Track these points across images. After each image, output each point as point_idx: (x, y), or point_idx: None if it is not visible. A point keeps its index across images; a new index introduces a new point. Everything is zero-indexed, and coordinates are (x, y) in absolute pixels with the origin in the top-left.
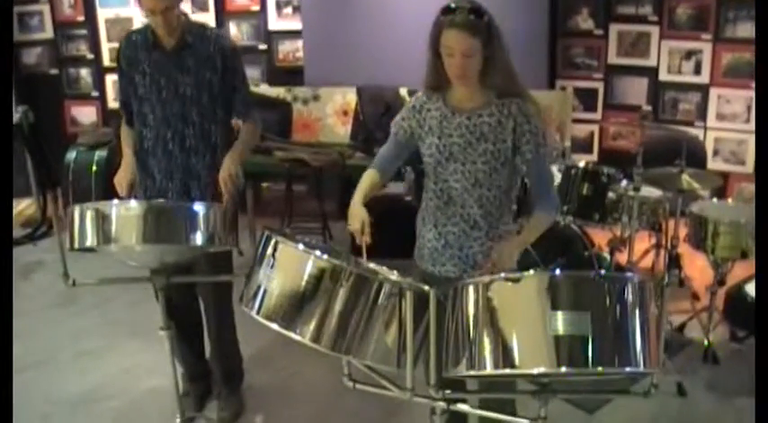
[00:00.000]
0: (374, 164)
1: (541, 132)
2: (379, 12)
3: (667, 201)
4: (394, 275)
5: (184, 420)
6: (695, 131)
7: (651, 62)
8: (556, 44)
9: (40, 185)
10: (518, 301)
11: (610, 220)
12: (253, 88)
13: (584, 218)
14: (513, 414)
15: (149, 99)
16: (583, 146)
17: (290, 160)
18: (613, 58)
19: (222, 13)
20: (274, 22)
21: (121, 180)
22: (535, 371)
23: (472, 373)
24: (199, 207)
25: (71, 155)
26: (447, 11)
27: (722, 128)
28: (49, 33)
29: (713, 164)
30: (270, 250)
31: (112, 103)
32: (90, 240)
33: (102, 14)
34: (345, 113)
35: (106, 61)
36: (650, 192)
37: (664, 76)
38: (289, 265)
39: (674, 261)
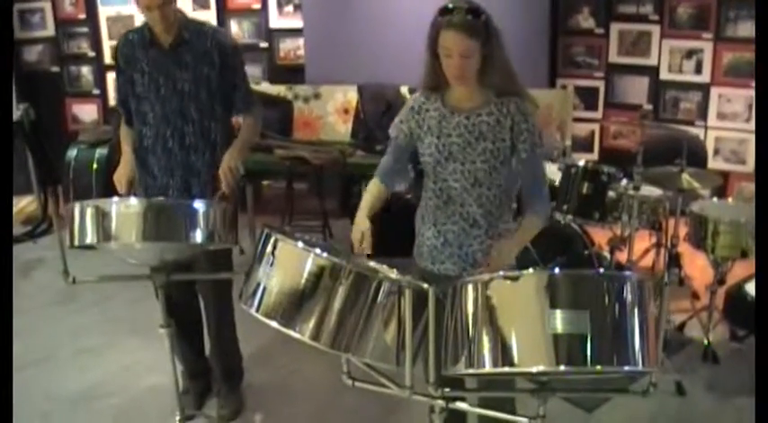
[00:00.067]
0: (377, 175)
1: (538, 132)
2: (380, 10)
3: (667, 200)
4: (393, 274)
5: (184, 418)
6: (696, 131)
7: (652, 61)
8: (557, 43)
9: (40, 183)
10: (517, 299)
11: (610, 219)
12: (254, 86)
13: (585, 217)
14: (513, 412)
15: (148, 97)
16: (583, 145)
17: (290, 158)
18: (614, 57)
19: (223, 11)
20: (275, 20)
21: (121, 177)
22: (534, 369)
23: (471, 371)
24: (199, 205)
25: (72, 152)
26: (444, 11)
27: (723, 127)
28: (50, 31)
29: (714, 163)
30: (269, 248)
31: (113, 101)
32: (90, 238)
33: (104, 12)
34: (346, 111)
35: (107, 59)
36: (650, 191)
37: (664, 75)
38: (288, 262)
39: (674, 260)
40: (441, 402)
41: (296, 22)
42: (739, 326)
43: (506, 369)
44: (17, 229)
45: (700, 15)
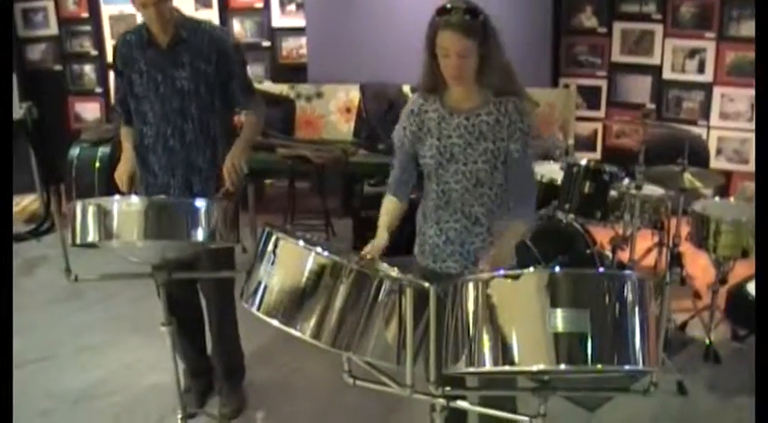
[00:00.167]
0: (390, 191)
1: (532, 133)
2: (382, 9)
3: (669, 199)
4: (394, 272)
5: (186, 416)
6: (698, 130)
7: (655, 60)
8: (559, 42)
9: (43, 181)
10: (517, 298)
11: (612, 219)
12: (256, 85)
13: (586, 216)
14: (514, 411)
15: (147, 96)
16: (586, 144)
17: (292, 157)
18: (617, 56)
19: (226, 10)
20: (278, 19)
21: (122, 174)
22: (534, 368)
23: (472, 370)
24: (200, 203)
25: (74, 151)
26: (442, 11)
27: (725, 126)
28: (53, 29)
29: (716, 162)
30: (270, 247)
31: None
32: (91, 236)
33: (106, 11)
34: (348, 110)
35: (110, 58)
36: (652, 190)
37: (667, 74)
38: (289, 261)
39: (676, 259)
40: (441, 401)
41: (298, 21)
42: (741, 325)
43: (507, 368)
44: (20, 228)
45: (702, 15)
